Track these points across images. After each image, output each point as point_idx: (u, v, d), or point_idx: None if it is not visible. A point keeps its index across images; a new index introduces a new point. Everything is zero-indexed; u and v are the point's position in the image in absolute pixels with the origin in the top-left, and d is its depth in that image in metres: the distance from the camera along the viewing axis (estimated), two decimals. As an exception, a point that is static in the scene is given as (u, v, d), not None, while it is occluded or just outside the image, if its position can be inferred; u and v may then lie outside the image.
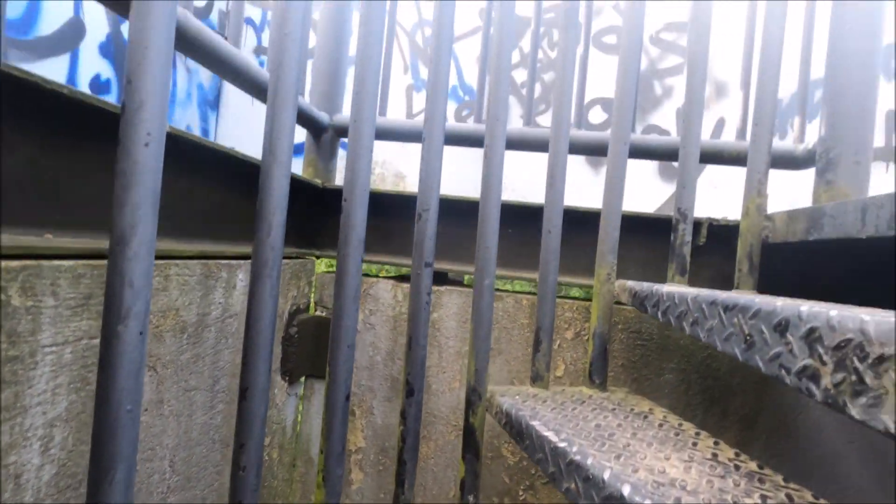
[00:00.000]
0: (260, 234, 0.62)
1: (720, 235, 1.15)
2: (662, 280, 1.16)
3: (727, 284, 1.16)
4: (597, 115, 2.98)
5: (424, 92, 3.14)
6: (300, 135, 1.42)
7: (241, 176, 0.94)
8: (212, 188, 0.86)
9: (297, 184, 1.19)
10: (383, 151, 3.03)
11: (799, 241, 0.90)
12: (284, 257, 1.12)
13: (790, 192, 2.64)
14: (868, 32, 0.98)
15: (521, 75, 2.97)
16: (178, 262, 0.73)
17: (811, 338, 0.49)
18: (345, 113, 1.43)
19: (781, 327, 0.53)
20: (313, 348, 1.21)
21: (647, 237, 1.20)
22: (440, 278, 1.29)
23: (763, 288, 1.02)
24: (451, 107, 3.14)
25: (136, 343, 0.46)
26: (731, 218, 1.17)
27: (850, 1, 0.96)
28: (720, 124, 2.75)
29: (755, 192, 0.98)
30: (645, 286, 0.87)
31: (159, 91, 0.47)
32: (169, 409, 0.75)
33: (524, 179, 2.92)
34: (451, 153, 1.46)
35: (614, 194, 0.97)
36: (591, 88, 2.77)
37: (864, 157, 0.96)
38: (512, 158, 1.56)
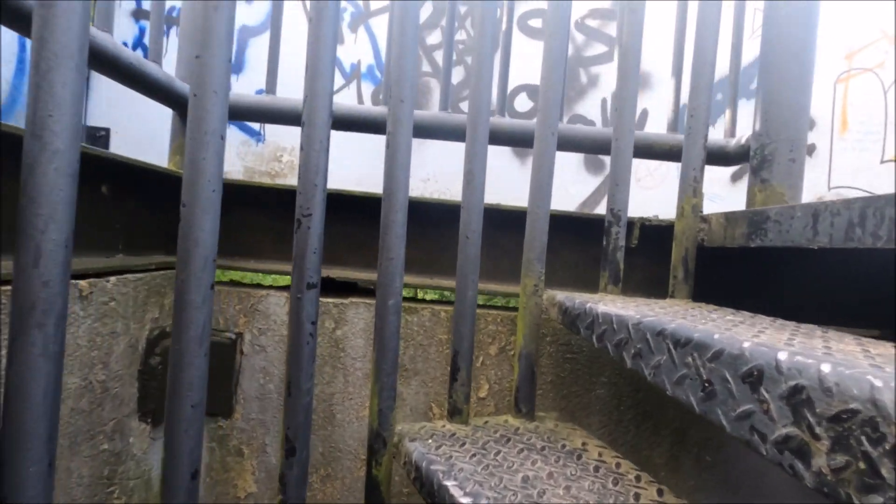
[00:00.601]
0: (23, 260, 0.40)
1: (651, 236, 1.07)
2: (594, 286, 1.05)
3: (659, 288, 1.08)
4: (523, 103, 2.88)
5: (345, 66, 2.86)
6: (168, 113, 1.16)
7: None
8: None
9: (159, 176, 0.95)
10: (293, 137, 2.74)
11: (738, 246, 0.82)
12: (141, 270, 0.88)
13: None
14: (804, 23, 0.91)
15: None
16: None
17: (796, 399, 0.37)
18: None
19: (753, 379, 0.41)
20: (187, 378, 0.98)
21: (578, 237, 1.08)
22: (347, 289, 1.10)
23: (699, 296, 0.94)
24: (368, 89, 2.90)
25: None
26: (663, 217, 1.09)
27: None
28: (643, 116, 2.76)
29: (691, 190, 0.89)
30: (577, 302, 0.75)
31: None
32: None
33: (447, 169, 2.77)
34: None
35: (542, 193, 0.84)
36: (517, 74, 2.66)
37: (800, 154, 0.90)
38: (434, 144, 1.40)
